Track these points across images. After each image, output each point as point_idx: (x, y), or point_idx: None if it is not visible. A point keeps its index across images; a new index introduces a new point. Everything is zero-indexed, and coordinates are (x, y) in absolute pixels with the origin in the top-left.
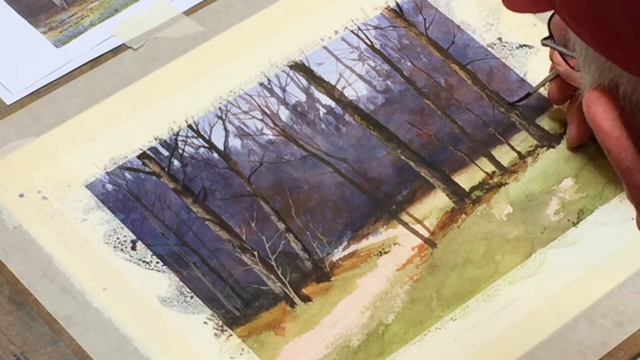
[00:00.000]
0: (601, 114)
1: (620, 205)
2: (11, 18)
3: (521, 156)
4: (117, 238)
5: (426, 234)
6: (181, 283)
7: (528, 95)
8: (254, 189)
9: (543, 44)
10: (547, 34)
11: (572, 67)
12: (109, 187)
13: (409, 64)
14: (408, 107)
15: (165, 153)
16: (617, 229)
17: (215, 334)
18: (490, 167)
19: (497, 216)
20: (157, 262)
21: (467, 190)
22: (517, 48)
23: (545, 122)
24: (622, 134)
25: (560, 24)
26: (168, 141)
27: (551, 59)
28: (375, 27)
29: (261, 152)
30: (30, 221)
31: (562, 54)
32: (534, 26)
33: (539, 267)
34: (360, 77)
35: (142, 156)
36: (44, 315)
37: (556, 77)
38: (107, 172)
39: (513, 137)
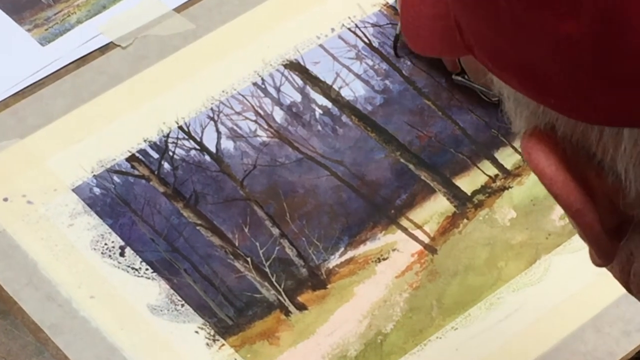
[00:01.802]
0: (543, 161)
1: None
2: None
3: None
4: (105, 244)
5: (426, 240)
6: (172, 291)
7: (397, 38)
8: (247, 193)
9: (455, 81)
10: None
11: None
12: (97, 191)
13: (409, 62)
14: (407, 107)
15: (155, 155)
16: None
17: (207, 344)
18: (492, 170)
19: (500, 221)
20: (147, 269)
21: (469, 194)
22: None
23: None
24: (567, 177)
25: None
26: (158, 143)
27: None
28: (374, 25)
29: (255, 155)
30: (15, 226)
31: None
32: None
33: (543, 274)
34: (358, 76)
35: (131, 159)
36: (28, 324)
37: None
38: (94, 176)
39: (517, 138)
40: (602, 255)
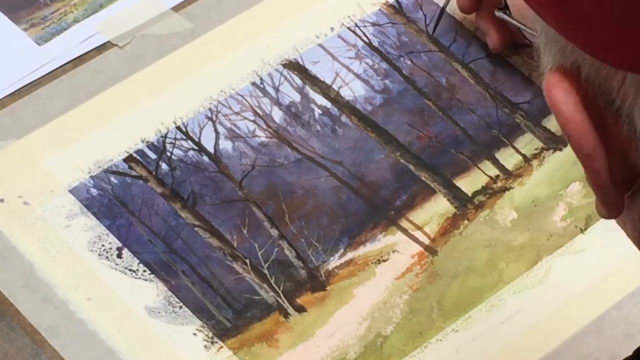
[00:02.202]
0: (562, 98)
1: None
2: None
3: (526, 159)
4: (102, 245)
5: (426, 241)
6: (169, 292)
7: (442, 14)
8: (246, 194)
9: (497, 16)
10: None
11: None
12: (94, 191)
13: (409, 62)
14: (407, 107)
15: (153, 156)
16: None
17: (205, 346)
18: (493, 171)
19: (501, 222)
20: (144, 271)
21: (470, 195)
22: (522, 46)
23: (551, 124)
24: (584, 120)
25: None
26: (156, 143)
27: None
28: (373, 24)
29: (253, 155)
30: (11, 227)
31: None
32: None
33: (545, 276)
34: (358, 76)
35: (129, 159)
36: (25, 327)
37: None
38: (91, 176)
39: (518, 139)
40: (605, 206)
